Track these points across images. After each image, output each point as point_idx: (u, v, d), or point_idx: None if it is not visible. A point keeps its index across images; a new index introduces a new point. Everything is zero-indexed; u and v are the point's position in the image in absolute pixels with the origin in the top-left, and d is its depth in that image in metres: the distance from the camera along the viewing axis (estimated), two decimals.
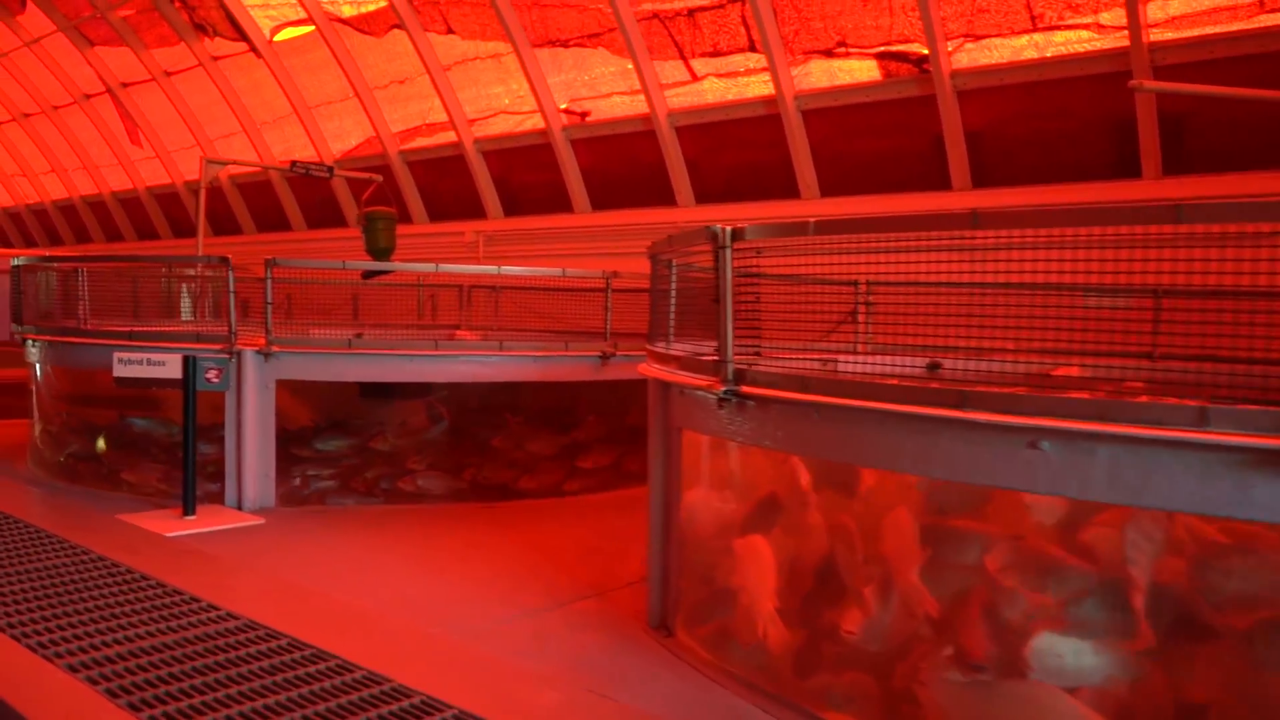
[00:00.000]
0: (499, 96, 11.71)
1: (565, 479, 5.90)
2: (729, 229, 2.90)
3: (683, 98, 10.24)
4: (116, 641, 3.13)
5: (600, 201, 11.50)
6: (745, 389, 2.85)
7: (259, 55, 13.55)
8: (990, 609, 2.70)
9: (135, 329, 5.42)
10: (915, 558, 2.72)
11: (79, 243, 19.96)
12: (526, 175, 12.16)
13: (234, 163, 10.17)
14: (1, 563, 3.91)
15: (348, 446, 5.63)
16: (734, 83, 9.83)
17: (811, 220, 2.62)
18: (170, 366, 4.84)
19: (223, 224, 16.56)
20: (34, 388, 6.15)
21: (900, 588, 2.75)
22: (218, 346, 5.15)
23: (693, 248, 3.27)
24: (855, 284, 5.87)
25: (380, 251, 9.30)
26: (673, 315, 4.74)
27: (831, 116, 9.36)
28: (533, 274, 5.95)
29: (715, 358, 2.96)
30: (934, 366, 5.02)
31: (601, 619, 3.58)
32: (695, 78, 10.05)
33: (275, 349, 5.15)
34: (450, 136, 12.45)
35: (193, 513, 4.90)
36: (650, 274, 4.28)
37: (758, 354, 2.90)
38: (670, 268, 4.71)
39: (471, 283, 8.21)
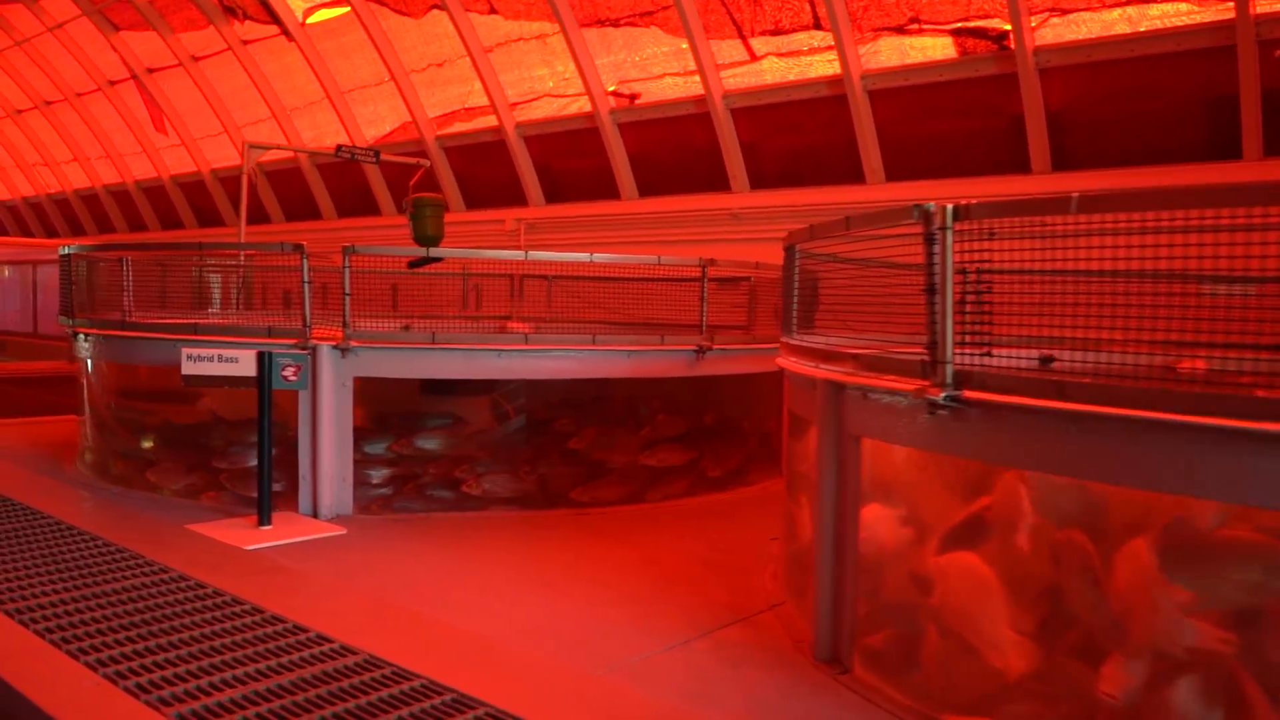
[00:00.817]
0: (543, 79, 11.25)
1: (648, 484, 5.44)
2: (949, 207, 2.46)
3: (740, 78, 9.76)
4: (226, 684, 2.70)
5: (648, 187, 11.05)
6: (969, 394, 2.42)
7: (291, 38, 13.09)
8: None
9: (201, 322, 4.99)
10: (1173, 595, 2.29)
11: (101, 232, 19.56)
12: (570, 161, 11.70)
13: (277, 147, 9.72)
14: (79, 584, 3.48)
15: (411, 448, 5.18)
16: (795, 62, 9.36)
17: (1074, 195, 2.18)
18: (244, 364, 4.41)
19: (250, 212, 16.13)
20: (84, 385, 5.73)
21: (1152, 630, 2.32)
22: (291, 341, 4.72)
23: (884, 230, 2.83)
24: (964, 272, 5.43)
25: (428, 239, 8.85)
26: (783, 307, 4.30)
27: (900, 97, 8.89)
28: (626, 262, 5.49)
29: (924, 357, 2.52)
30: (1046, 360, 4.59)
31: (759, 651, 3.14)
32: (754, 57, 9.58)
33: (353, 344, 4.71)
34: (490, 121, 11.99)
35: (269, 522, 4.47)
36: (785, 262, 3.85)
37: (988, 354, 2.46)
38: (791, 257, 4.27)
39: (535, 272, 7.75)
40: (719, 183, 10.29)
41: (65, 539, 4.04)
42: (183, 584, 3.55)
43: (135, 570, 3.70)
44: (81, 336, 5.46)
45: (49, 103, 18.24)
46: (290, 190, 15.25)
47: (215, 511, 4.85)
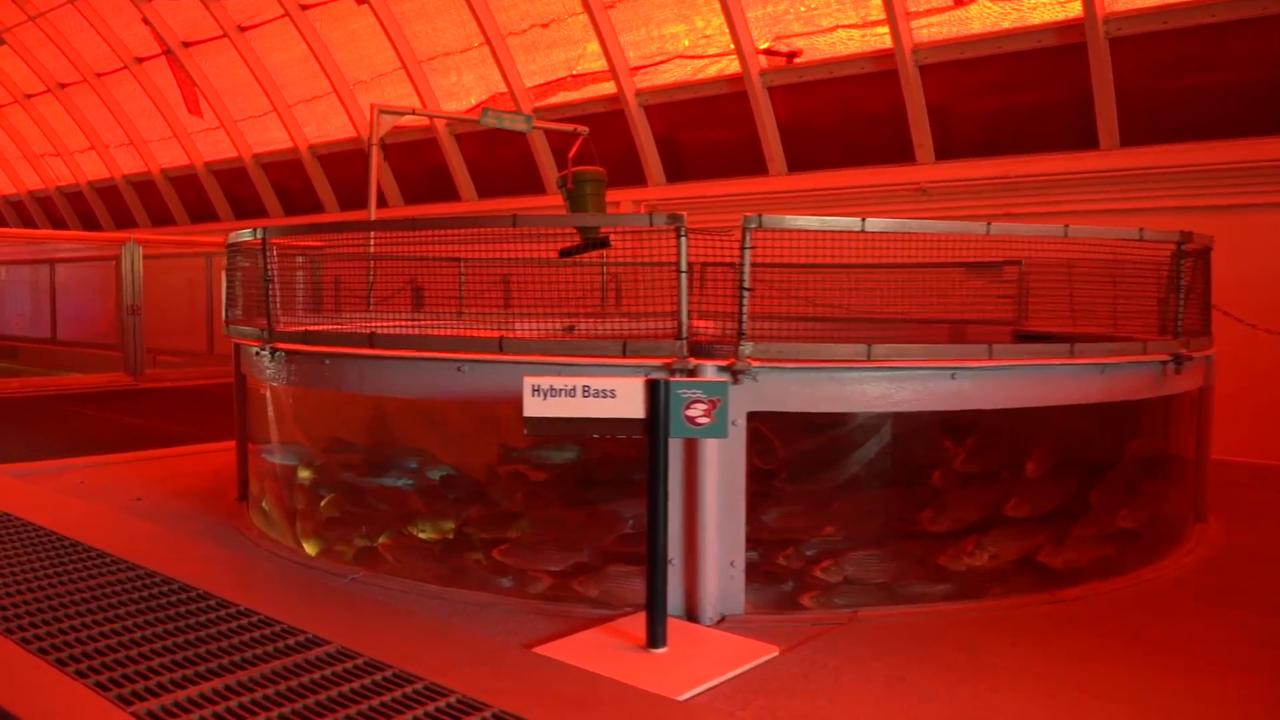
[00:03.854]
0: (676, 38, 9.60)
1: (1064, 549, 3.77)
2: None
3: (935, 28, 8.18)
4: None
5: (800, 161, 9.45)
6: None
7: (362, 1, 11.35)
8: None
9: (507, 334, 3.35)
10: None
11: (120, 228, 17.64)
12: (701, 132, 10.07)
13: (412, 112, 7.98)
14: None
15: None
16: (1013, 6, 7.79)
17: None
18: (625, 399, 2.78)
19: (296, 201, 14.37)
20: (271, 417, 4.06)
21: None
22: (661, 361, 3.09)
23: None
24: None
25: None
26: None
27: (1153, 44, 7.33)
28: (1105, 236, 3.83)
29: None
30: None
31: None
32: (959, 2, 8.00)
33: (752, 362, 3.09)
34: (605, 89, 10.32)
35: (663, 642, 2.86)
36: None
37: None
38: None
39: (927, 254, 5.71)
40: (896, 153, 8.72)
41: (376, 685, 2.40)
42: None
43: None
44: (280, 354, 3.77)
45: (64, 85, 16.31)
46: (347, 175, 13.50)
47: (527, 611, 3.21)
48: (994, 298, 6.49)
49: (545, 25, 10.26)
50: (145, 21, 13.50)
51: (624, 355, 3.08)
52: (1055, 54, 7.67)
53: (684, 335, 3.06)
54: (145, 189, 16.68)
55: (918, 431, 3.66)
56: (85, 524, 4.05)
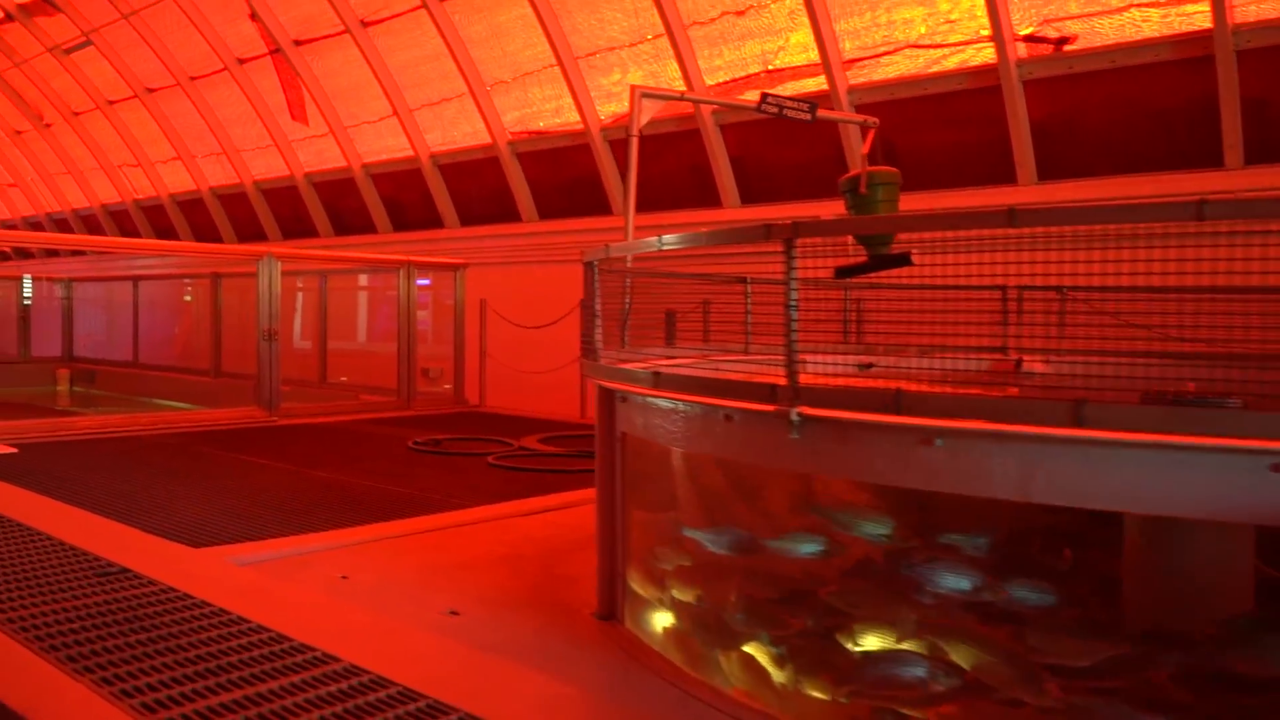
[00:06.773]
0: (910, 24, 8.15)
1: None
2: None
3: (1263, 4, 6.72)
4: None
5: (1053, 169, 7.97)
6: None
7: None
8: None
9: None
10: None
11: (201, 242, 16.26)
12: (923, 135, 8.60)
13: (680, 96, 6.53)
14: None
15: None
16: None
17: None
18: None
19: (408, 215, 12.96)
20: (718, 507, 2.58)
21: None
22: None
23: None
24: None
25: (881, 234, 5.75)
26: None
27: None
28: None
29: None
30: None
31: None
32: None
33: None
34: (806, 85, 8.88)
35: None
36: None
37: None
38: None
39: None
40: (1192, 157, 7.23)
41: None
42: None
43: None
44: (809, 423, 2.29)
45: (151, 90, 15.01)
46: (471, 187, 12.08)
47: None
48: None
49: (740, 13, 8.84)
50: (254, 17, 12.19)
51: None
52: None
53: None
54: (234, 202, 15.34)
55: None
56: (428, 669, 2.58)
